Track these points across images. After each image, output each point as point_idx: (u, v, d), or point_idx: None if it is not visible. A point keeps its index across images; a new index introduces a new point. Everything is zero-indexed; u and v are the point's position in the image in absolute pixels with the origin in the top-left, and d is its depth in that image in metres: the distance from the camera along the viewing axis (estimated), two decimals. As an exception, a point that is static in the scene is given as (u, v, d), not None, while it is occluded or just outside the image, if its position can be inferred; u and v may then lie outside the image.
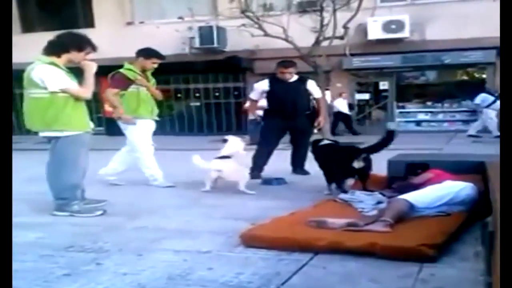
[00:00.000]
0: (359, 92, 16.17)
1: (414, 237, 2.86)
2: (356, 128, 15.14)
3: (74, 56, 4.14)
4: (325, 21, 12.25)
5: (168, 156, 9.19)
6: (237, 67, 15.93)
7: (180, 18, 14.64)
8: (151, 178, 5.64)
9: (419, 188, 3.77)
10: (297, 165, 6.26)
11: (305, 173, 6.14)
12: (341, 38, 12.74)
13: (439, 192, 3.61)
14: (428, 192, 3.63)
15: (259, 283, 2.47)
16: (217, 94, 17.36)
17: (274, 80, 6.09)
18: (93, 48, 4.25)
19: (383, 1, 14.81)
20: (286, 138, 6.50)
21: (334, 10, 12.13)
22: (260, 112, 6.82)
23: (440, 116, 15.78)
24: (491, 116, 12.14)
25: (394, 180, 4.48)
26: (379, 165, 4.81)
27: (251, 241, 3.08)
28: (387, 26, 14.25)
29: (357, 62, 15.19)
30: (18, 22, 17.31)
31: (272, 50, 13.70)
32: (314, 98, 6.33)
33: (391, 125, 4.98)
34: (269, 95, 6.13)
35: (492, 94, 12.57)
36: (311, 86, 6.19)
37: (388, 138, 4.78)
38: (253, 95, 6.52)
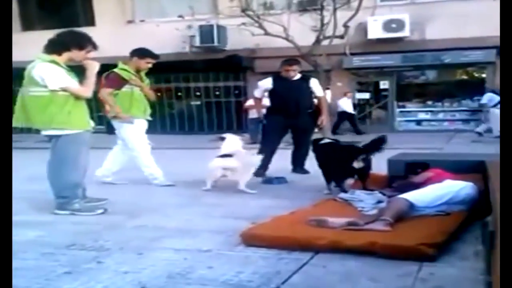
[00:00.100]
0: (360, 91, 16.18)
1: (414, 236, 2.86)
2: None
3: (75, 54, 4.15)
4: (326, 20, 12.26)
5: (169, 154, 9.19)
6: (237, 66, 15.94)
7: (180, 16, 14.64)
8: (151, 177, 5.65)
9: (419, 187, 3.78)
10: (297, 164, 6.26)
11: (305, 172, 6.14)
12: (341, 37, 12.75)
13: (439, 192, 3.62)
14: (428, 191, 3.63)
15: (259, 282, 2.47)
16: (217, 93, 17.37)
17: (278, 78, 6.11)
18: (94, 46, 4.26)
19: (383, 0, 14.81)
20: (286, 137, 6.51)
21: (335, 9, 12.13)
22: (264, 111, 6.82)
23: (440, 116, 15.80)
24: (499, 116, 12.13)
25: (394, 179, 4.49)
26: (379, 164, 4.82)
27: (251, 240, 3.08)
28: (387, 25, 14.25)
29: (357, 61, 15.19)
30: (18, 20, 17.31)
31: (272, 49, 13.71)
32: (316, 97, 6.34)
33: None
34: (272, 93, 6.14)
35: (498, 94, 12.53)
36: (314, 84, 6.21)
37: (379, 142, 4.70)
38: (256, 93, 6.52)
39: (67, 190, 4.17)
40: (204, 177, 5.26)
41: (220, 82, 17.27)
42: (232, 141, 5.45)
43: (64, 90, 4.05)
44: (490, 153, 4.85)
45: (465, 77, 15.90)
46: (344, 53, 14.85)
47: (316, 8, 12.40)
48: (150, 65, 5.64)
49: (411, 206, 3.42)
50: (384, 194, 4.13)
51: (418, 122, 15.94)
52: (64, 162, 4.16)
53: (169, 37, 15.02)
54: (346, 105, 14.85)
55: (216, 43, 15.47)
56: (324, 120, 6.30)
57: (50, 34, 4.22)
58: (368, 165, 4.61)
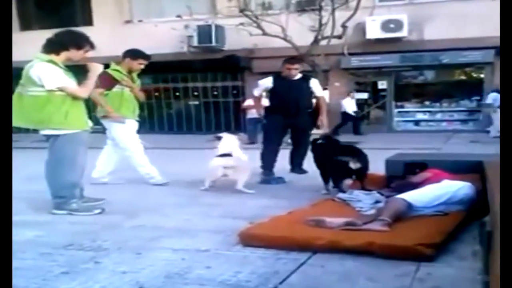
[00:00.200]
0: (358, 91, 16.18)
1: (412, 236, 2.87)
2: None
3: (72, 54, 4.15)
4: (324, 20, 12.28)
5: (167, 154, 9.19)
6: (235, 66, 15.94)
7: (178, 16, 14.64)
8: (147, 177, 5.67)
9: (417, 187, 3.78)
10: (296, 164, 6.26)
11: (303, 172, 6.14)
12: (340, 37, 12.77)
13: (437, 192, 3.62)
14: (426, 192, 3.64)
15: (257, 282, 2.47)
16: (215, 93, 17.37)
17: (278, 77, 6.11)
18: (92, 46, 4.26)
19: (382, 1, 14.83)
20: (285, 137, 6.51)
21: (333, 9, 12.16)
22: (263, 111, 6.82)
23: (439, 116, 15.81)
24: None
25: (393, 180, 4.49)
26: (378, 164, 4.82)
27: (249, 240, 3.08)
28: (385, 26, 14.26)
29: (355, 61, 15.20)
30: (17, 20, 17.29)
31: (270, 49, 13.72)
32: (315, 97, 6.34)
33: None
34: (272, 92, 6.14)
35: None
36: (314, 84, 6.22)
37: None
38: (255, 92, 6.52)
39: (65, 190, 4.16)
40: (203, 177, 5.25)
41: (218, 82, 17.26)
42: (229, 141, 5.43)
43: (61, 90, 4.04)
44: (488, 154, 4.86)
45: (463, 77, 15.92)
46: (342, 53, 14.86)
47: (315, 8, 12.43)
48: (142, 66, 5.70)
49: (409, 206, 3.43)
50: (382, 194, 4.13)
51: (416, 122, 15.95)
52: (61, 162, 4.15)
53: (167, 37, 15.02)
54: (349, 105, 14.87)
55: (214, 43, 15.46)
56: (324, 120, 6.30)
57: (48, 33, 4.23)
58: (365, 165, 4.61)
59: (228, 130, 12.39)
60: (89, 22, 16.57)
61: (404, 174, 4.36)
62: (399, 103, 15.97)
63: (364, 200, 4.09)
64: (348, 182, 4.55)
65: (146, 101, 17.03)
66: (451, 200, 3.59)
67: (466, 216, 3.43)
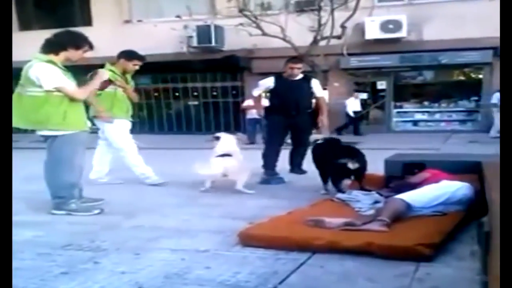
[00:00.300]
0: (357, 91, 16.19)
1: (410, 236, 2.87)
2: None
3: (71, 54, 4.15)
4: (323, 21, 12.28)
5: (166, 155, 9.20)
6: (235, 66, 15.94)
7: (178, 17, 14.63)
8: (142, 177, 5.67)
9: (416, 187, 3.78)
10: (295, 164, 6.26)
11: (303, 172, 6.14)
12: (339, 37, 12.77)
13: (436, 192, 3.63)
14: (425, 192, 3.64)
15: (256, 282, 2.47)
16: (215, 93, 17.37)
17: (280, 78, 6.12)
18: (91, 46, 4.27)
19: (381, 1, 14.84)
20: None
21: (332, 10, 12.16)
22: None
23: (437, 116, 15.83)
24: None
25: (391, 180, 4.49)
26: (377, 164, 4.82)
27: (248, 240, 3.08)
28: (384, 26, 14.28)
29: (354, 61, 15.21)
30: (16, 20, 17.28)
31: (269, 50, 13.72)
32: (315, 97, 6.35)
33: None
34: (273, 92, 6.15)
35: None
36: (315, 85, 6.23)
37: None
38: (255, 92, 6.52)
39: (64, 190, 4.16)
40: (202, 178, 5.24)
41: (217, 83, 17.26)
42: (227, 141, 5.41)
43: (58, 90, 4.04)
44: (487, 154, 4.87)
45: (462, 77, 15.93)
46: (342, 53, 14.87)
47: (314, 9, 12.42)
48: (137, 67, 5.73)
49: (408, 206, 3.43)
50: (381, 195, 4.14)
51: (415, 122, 15.97)
52: (60, 162, 4.15)
53: (166, 37, 15.02)
54: (353, 105, 14.86)
55: (213, 44, 15.47)
56: (324, 120, 6.30)
57: (47, 34, 4.24)
58: (363, 165, 4.61)
59: (227, 130, 12.41)
60: (88, 22, 16.57)
61: (403, 174, 4.36)
62: (398, 103, 16.00)
63: (363, 200, 4.09)
64: (347, 182, 4.56)
65: (145, 101, 17.25)
66: (450, 201, 3.59)
67: (465, 216, 3.43)
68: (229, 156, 5.16)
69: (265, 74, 6.96)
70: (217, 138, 5.42)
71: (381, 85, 15.93)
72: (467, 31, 13.40)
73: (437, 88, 16.09)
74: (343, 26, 12.48)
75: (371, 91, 16.24)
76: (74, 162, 4.17)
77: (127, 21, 16.89)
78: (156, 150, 9.59)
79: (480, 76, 15.09)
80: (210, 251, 3.00)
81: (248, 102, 12.14)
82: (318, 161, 5.06)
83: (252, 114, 11.91)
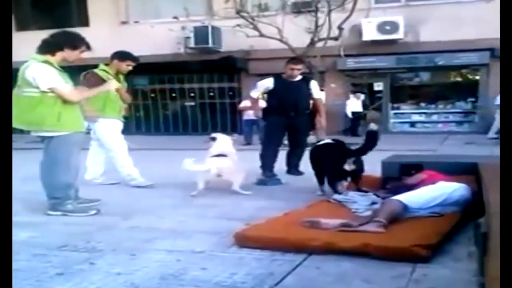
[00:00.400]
0: (354, 92, 16.20)
1: (407, 237, 2.87)
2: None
3: (68, 54, 4.14)
4: (320, 22, 12.29)
5: (162, 155, 9.19)
6: (232, 67, 15.94)
7: (175, 17, 14.61)
8: (128, 178, 5.64)
9: (413, 189, 3.78)
10: (292, 165, 6.26)
11: (300, 173, 6.14)
12: (336, 39, 12.78)
13: (433, 193, 3.63)
14: (422, 193, 3.64)
15: (252, 284, 2.47)
16: (211, 94, 17.36)
17: (279, 79, 6.12)
18: (88, 47, 4.26)
19: (378, 2, 14.86)
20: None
21: (329, 11, 12.17)
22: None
23: (434, 117, 15.86)
24: None
25: (388, 181, 4.49)
26: (373, 166, 4.82)
27: (245, 241, 3.08)
28: (381, 27, 14.30)
29: (351, 63, 15.23)
30: (13, 20, 17.22)
31: (267, 51, 13.73)
32: (313, 98, 6.34)
33: (372, 127, 4.85)
34: (272, 93, 6.14)
35: None
36: (313, 86, 6.24)
37: (372, 139, 4.68)
38: (253, 93, 6.51)
39: (60, 191, 4.15)
40: (195, 177, 5.17)
41: (214, 83, 17.26)
42: (223, 141, 5.39)
43: (52, 91, 4.02)
44: (483, 155, 4.88)
45: (458, 79, 15.96)
46: (339, 54, 14.87)
47: (311, 10, 12.44)
48: (130, 68, 5.74)
49: (405, 207, 3.43)
50: (378, 196, 4.13)
51: (412, 123, 15.99)
52: (56, 163, 4.14)
53: (163, 38, 15.00)
54: (353, 106, 14.86)
55: (210, 45, 15.46)
56: (322, 121, 6.30)
57: (44, 34, 4.22)
58: (360, 167, 4.60)
59: (224, 131, 12.41)
60: (85, 23, 16.53)
61: (400, 175, 4.37)
62: (395, 105, 16.02)
63: (359, 202, 4.09)
64: (344, 183, 4.55)
65: (142, 102, 17.23)
66: (447, 202, 3.59)
67: (462, 217, 3.43)
68: (224, 156, 5.14)
69: (262, 75, 6.96)
70: (213, 139, 5.40)
71: (378, 86, 15.95)
72: (464, 32, 13.43)
73: (434, 90, 16.13)
74: (340, 28, 12.49)
75: (368, 92, 16.26)
76: (70, 163, 4.16)
77: (124, 22, 16.86)
78: (152, 151, 9.58)
79: (477, 77, 15.12)
80: (206, 252, 2.99)
81: (245, 103, 12.14)
82: (314, 162, 5.05)
83: (249, 115, 11.90)
